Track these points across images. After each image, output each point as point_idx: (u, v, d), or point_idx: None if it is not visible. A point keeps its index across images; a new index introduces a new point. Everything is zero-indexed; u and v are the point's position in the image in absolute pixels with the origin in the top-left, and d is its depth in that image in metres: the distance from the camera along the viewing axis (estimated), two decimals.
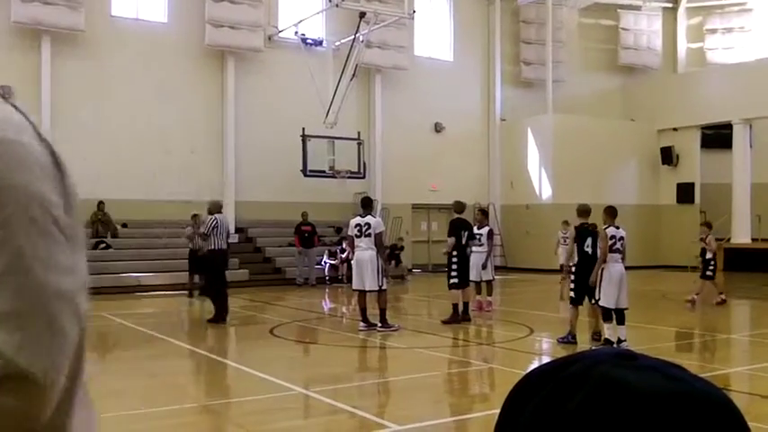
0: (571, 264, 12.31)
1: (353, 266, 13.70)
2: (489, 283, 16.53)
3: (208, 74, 25.98)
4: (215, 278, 15.16)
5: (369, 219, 13.55)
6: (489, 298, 16.59)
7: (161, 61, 25.01)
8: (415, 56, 30.16)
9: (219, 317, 14.83)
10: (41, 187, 1.08)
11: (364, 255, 13.37)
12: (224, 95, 26.05)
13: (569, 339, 11.85)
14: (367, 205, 13.89)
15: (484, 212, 17.15)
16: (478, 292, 16.41)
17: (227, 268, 15.50)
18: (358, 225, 13.49)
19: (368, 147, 27.80)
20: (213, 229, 14.90)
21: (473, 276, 15.59)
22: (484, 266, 16.14)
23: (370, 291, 13.45)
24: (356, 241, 13.50)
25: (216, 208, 15.42)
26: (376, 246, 13.41)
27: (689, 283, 25.87)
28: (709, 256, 17.65)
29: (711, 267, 17.62)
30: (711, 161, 31.36)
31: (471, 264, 15.27)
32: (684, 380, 0.75)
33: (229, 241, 15.88)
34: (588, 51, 34.54)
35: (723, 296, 17.77)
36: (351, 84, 25.03)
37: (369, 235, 13.36)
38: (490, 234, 16.52)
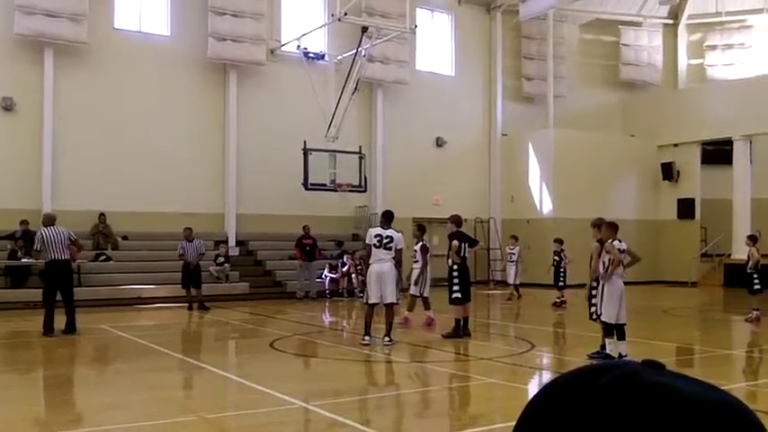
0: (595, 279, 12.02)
1: (372, 279, 13.25)
2: (424, 299, 16.46)
3: (210, 87, 26.04)
4: (51, 290, 14.77)
5: (391, 232, 13.31)
6: (429, 313, 16.31)
7: (163, 74, 25.08)
8: (417, 70, 30.24)
9: (71, 328, 14.64)
10: None
11: (384, 266, 13.12)
12: (226, 108, 26.10)
13: (600, 355, 11.67)
14: (389, 218, 13.70)
15: (420, 228, 17.23)
16: (410, 308, 16.53)
17: (68, 280, 14.99)
18: (378, 236, 13.20)
19: (369, 160, 27.83)
20: (41, 243, 14.60)
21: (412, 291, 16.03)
22: (416, 282, 16.25)
23: (389, 303, 13.29)
24: (375, 251, 13.19)
25: (47, 220, 15.03)
26: (395, 260, 13.33)
27: (689, 298, 25.92)
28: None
29: (756, 281, 17.69)
30: (712, 177, 31.39)
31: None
32: (720, 389, 0.78)
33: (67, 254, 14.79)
34: (589, 67, 34.64)
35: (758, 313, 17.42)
36: (352, 98, 25.08)
37: (389, 248, 13.15)
38: (424, 249, 16.56)
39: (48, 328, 14.49)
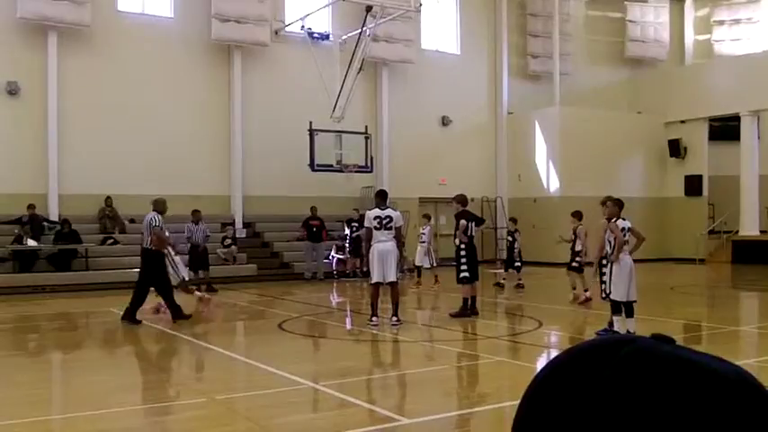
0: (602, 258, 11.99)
1: (374, 258, 13.16)
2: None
3: (214, 68, 25.98)
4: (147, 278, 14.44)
5: (389, 212, 13.28)
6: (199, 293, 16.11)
7: (167, 56, 25.03)
8: (422, 49, 30.12)
9: (178, 315, 14.28)
10: None
11: (387, 246, 13.08)
12: (230, 90, 26.05)
13: (607, 332, 11.64)
14: (384, 197, 13.65)
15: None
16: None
17: (149, 268, 14.51)
18: (378, 217, 13.15)
19: (375, 140, 27.78)
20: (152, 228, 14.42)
21: None
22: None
23: (391, 282, 13.19)
24: (376, 233, 13.15)
25: (152, 206, 14.91)
26: (396, 238, 13.31)
27: (697, 275, 25.89)
28: (578, 248, 16.69)
29: (578, 260, 16.67)
30: (719, 153, 31.26)
31: None
32: (731, 362, 0.78)
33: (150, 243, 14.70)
34: (595, 44, 34.46)
35: (588, 293, 16.09)
36: (357, 78, 25.01)
37: (389, 228, 13.12)
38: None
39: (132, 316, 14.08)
